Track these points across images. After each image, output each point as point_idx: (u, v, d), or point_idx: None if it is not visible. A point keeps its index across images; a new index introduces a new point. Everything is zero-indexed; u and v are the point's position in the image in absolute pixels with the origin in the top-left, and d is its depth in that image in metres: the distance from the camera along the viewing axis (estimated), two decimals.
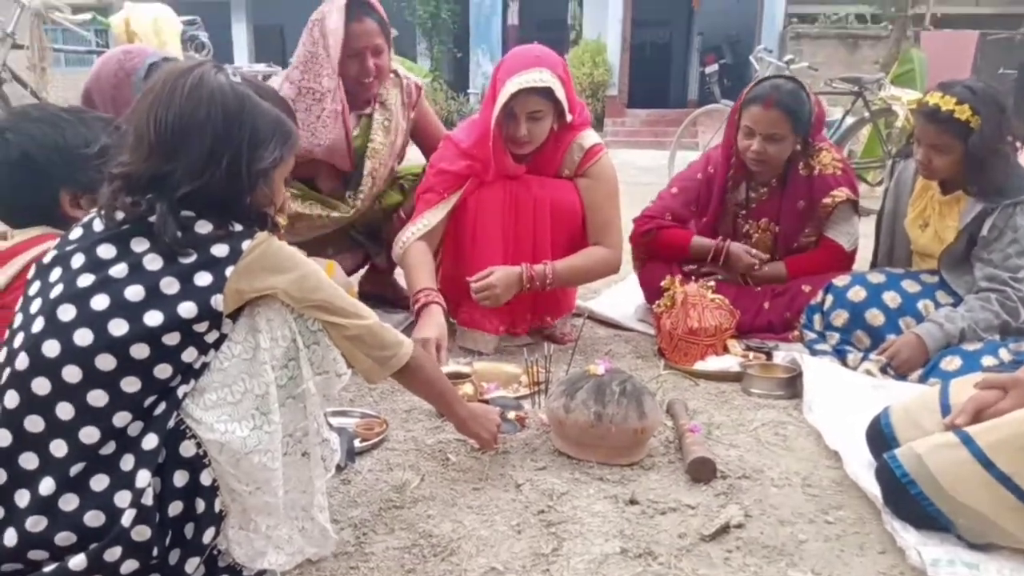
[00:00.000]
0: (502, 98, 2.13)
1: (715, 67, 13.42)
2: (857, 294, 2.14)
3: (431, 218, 2.26)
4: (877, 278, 2.17)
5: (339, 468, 1.45)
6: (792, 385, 1.98)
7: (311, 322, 1.16)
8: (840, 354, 2.12)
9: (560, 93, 2.16)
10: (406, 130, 2.52)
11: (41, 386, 1.01)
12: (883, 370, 2.01)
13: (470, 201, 2.27)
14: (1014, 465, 1.22)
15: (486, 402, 1.77)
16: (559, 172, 2.33)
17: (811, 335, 2.21)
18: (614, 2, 13.65)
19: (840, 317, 2.15)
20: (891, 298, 2.11)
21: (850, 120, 5.93)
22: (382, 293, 2.69)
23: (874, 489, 1.40)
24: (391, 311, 2.60)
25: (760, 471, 1.54)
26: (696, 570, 1.22)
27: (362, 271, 2.69)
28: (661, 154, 8.59)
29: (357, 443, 1.59)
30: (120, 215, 1.08)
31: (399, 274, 2.73)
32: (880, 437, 1.51)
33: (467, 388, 1.83)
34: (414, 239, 2.25)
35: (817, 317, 2.22)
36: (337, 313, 1.17)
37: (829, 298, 2.18)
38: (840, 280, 2.19)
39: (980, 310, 1.97)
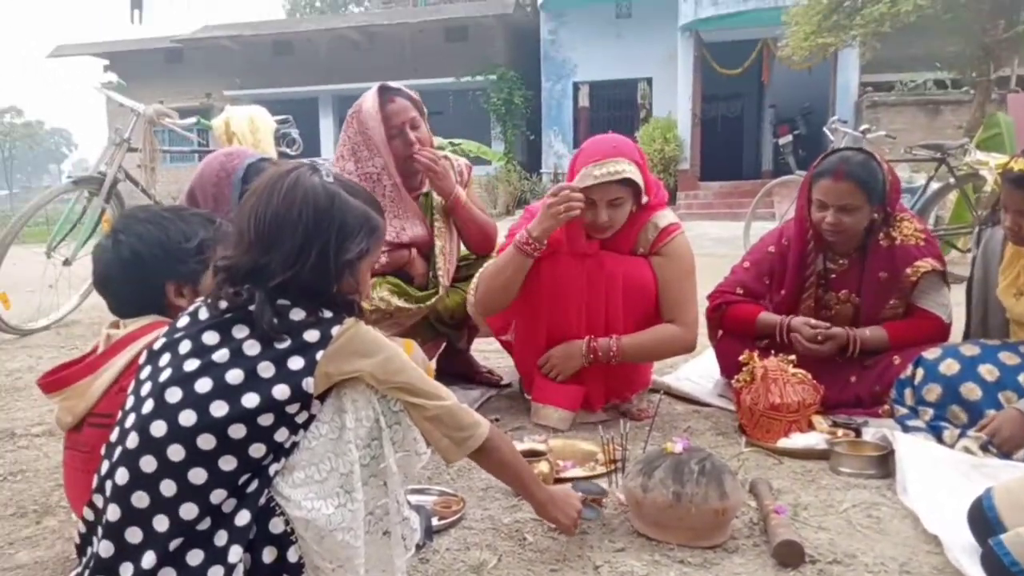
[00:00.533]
0: (580, 182, 2.21)
1: (789, 138, 13.36)
2: (950, 367, 2.04)
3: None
4: (971, 350, 2.07)
5: (418, 547, 1.46)
6: (884, 464, 1.88)
7: (393, 403, 1.22)
8: (935, 430, 2.01)
9: (638, 179, 2.22)
10: None
11: (148, 464, 1.09)
12: (983, 448, 1.90)
13: (544, 274, 2.31)
14: None
15: (563, 481, 1.77)
16: (633, 250, 2.36)
17: (902, 410, 2.11)
18: (683, 80, 13.92)
19: (933, 392, 2.05)
20: (988, 371, 2.00)
21: (935, 186, 5.77)
22: (460, 371, 2.74)
23: None
24: (468, 387, 2.65)
25: (852, 556, 1.47)
26: None
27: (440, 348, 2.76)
28: (736, 225, 8.52)
29: (435, 521, 1.61)
30: (223, 304, 1.17)
31: (475, 351, 2.79)
32: (983, 521, 1.41)
33: (543, 466, 1.83)
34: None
35: (908, 391, 2.12)
36: (418, 394, 1.22)
37: (919, 372, 2.09)
38: (930, 353, 2.10)
39: None
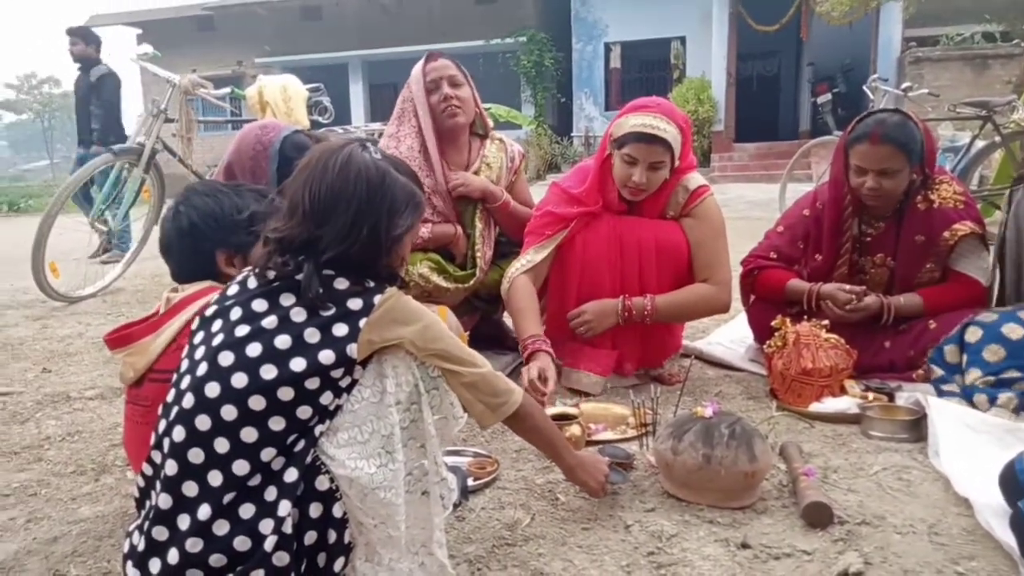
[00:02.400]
0: (620, 130, 2.21)
1: (828, 96, 12.98)
2: (1014, 331, 1.98)
3: (535, 255, 2.35)
4: None
5: (455, 506, 1.53)
6: (916, 428, 1.89)
7: (431, 369, 1.26)
8: (968, 395, 2.00)
9: (678, 145, 2.22)
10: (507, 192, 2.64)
11: (203, 423, 1.15)
12: (1016, 411, 1.89)
13: (576, 240, 2.34)
14: None
15: (594, 443, 1.81)
16: (663, 213, 2.37)
17: (938, 371, 2.09)
18: (717, 38, 13.58)
19: (995, 353, 1.98)
20: None
21: (980, 144, 5.60)
22: (492, 336, 2.79)
23: (1009, 539, 1.33)
24: (500, 353, 2.69)
25: (882, 518, 1.49)
26: None
27: None
28: (772, 187, 8.39)
29: (470, 482, 1.67)
30: (271, 274, 1.22)
31: (506, 317, 2.83)
32: (1015, 484, 1.42)
33: (574, 429, 1.87)
34: (519, 274, 2.34)
35: (951, 348, 2.08)
36: (455, 361, 1.27)
37: (976, 331, 2.03)
38: (987, 316, 2.05)
39: None
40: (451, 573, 1.29)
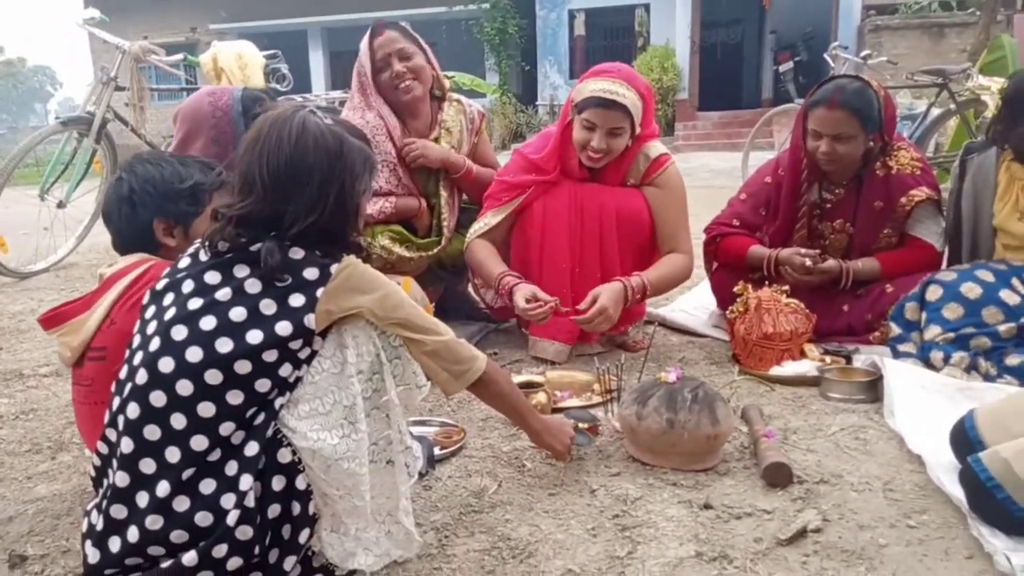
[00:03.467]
0: (580, 95, 2.20)
1: (790, 65, 13.05)
2: (972, 290, 2.03)
3: (492, 218, 2.37)
4: (987, 275, 2.06)
5: (420, 475, 1.53)
6: (872, 389, 1.94)
7: (393, 338, 1.25)
8: (924, 353, 2.04)
9: (638, 112, 2.21)
10: (469, 154, 2.61)
11: (158, 399, 1.12)
12: (967, 370, 1.95)
13: (535, 209, 2.34)
14: None
15: (560, 411, 1.82)
16: (624, 181, 2.37)
17: (896, 330, 2.14)
18: (681, 5, 13.52)
19: (954, 311, 2.03)
20: (1008, 296, 2.01)
21: (935, 112, 5.69)
22: (458, 308, 2.78)
23: (958, 493, 1.37)
24: (466, 323, 2.69)
25: (839, 476, 1.53)
26: (772, 574, 1.22)
27: None
28: (735, 156, 8.45)
29: (437, 451, 1.67)
30: (223, 246, 1.19)
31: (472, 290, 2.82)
32: (965, 441, 1.47)
33: (540, 397, 1.88)
34: (475, 237, 2.37)
35: (911, 306, 2.12)
36: (416, 330, 1.26)
37: (936, 289, 2.07)
38: (946, 275, 2.09)
39: None
40: (418, 540, 1.29)
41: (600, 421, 1.75)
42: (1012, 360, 1.95)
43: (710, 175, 8.70)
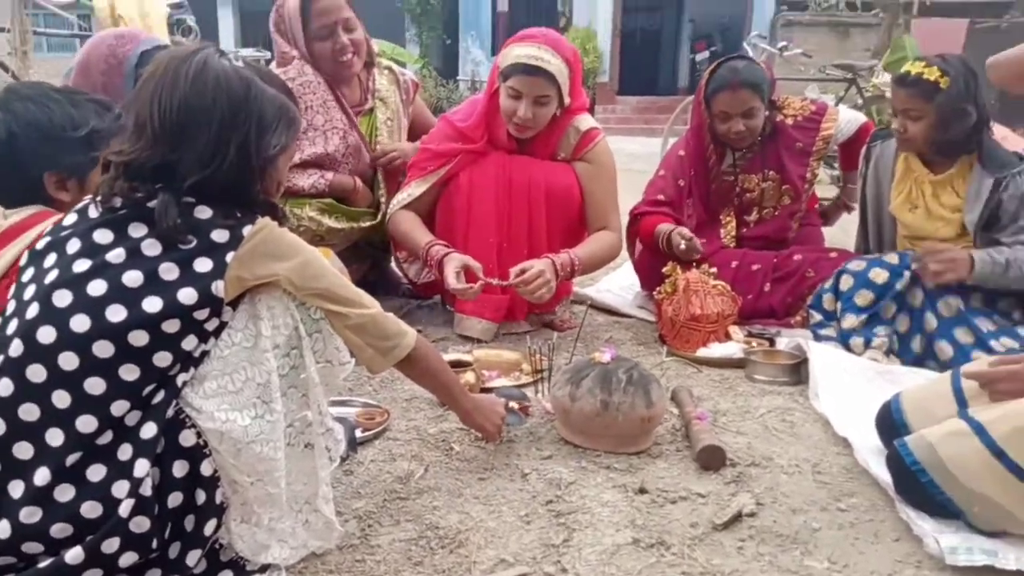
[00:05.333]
0: (505, 61, 2.11)
1: (706, 54, 13.34)
2: (879, 275, 2.09)
3: (416, 189, 2.27)
4: (892, 259, 2.12)
5: (342, 459, 1.42)
6: (796, 371, 1.96)
7: (313, 310, 1.14)
8: (845, 339, 2.09)
9: (565, 80, 2.14)
10: (407, 128, 2.48)
11: (36, 373, 0.97)
12: (887, 354, 2.00)
13: (462, 180, 2.25)
14: None
15: (489, 390, 1.74)
16: (554, 155, 2.30)
17: (817, 316, 2.18)
18: None
19: (865, 298, 2.08)
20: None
21: (843, 108, 5.92)
22: (382, 281, 2.65)
23: (885, 476, 1.38)
24: (388, 299, 2.56)
25: (769, 459, 1.52)
26: (710, 560, 1.19)
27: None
28: (652, 141, 8.56)
29: (359, 433, 1.56)
30: (117, 201, 1.04)
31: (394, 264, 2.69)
32: (891, 424, 1.49)
33: (468, 377, 1.80)
34: (399, 207, 2.26)
35: (827, 297, 2.18)
36: (339, 302, 1.14)
37: (848, 279, 2.13)
38: (856, 264, 2.15)
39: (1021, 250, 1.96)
40: (339, 530, 1.19)
41: (530, 401, 1.69)
42: (902, 326, 2.06)
43: (628, 159, 8.76)
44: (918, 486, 1.29)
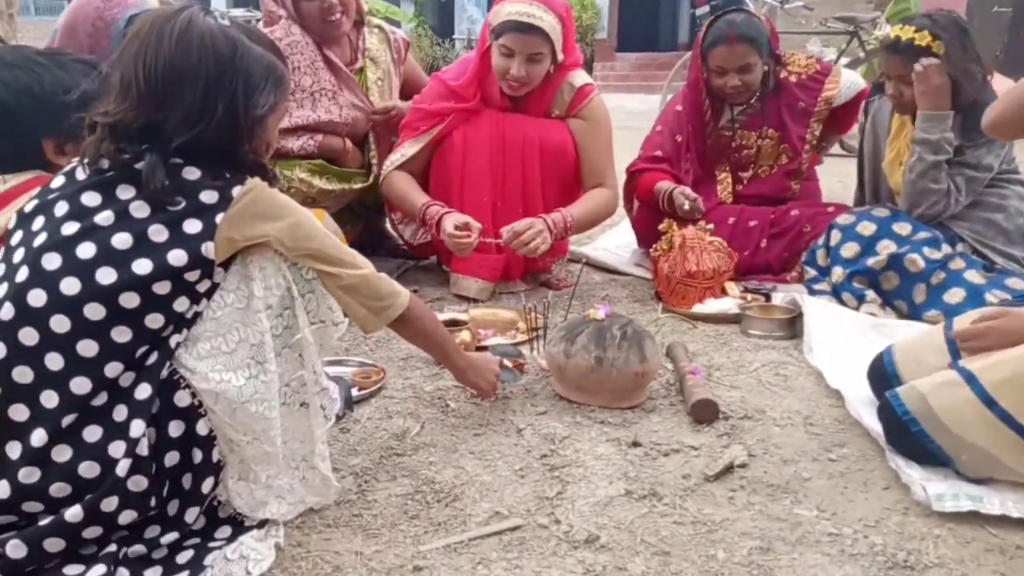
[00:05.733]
0: (496, 19, 2.08)
1: (706, 8, 13.05)
2: (867, 228, 2.09)
3: (409, 149, 2.25)
4: (882, 212, 2.12)
5: (338, 417, 1.43)
6: (791, 326, 1.96)
7: (305, 271, 1.14)
8: (838, 293, 2.09)
9: (558, 36, 2.10)
10: (399, 87, 2.45)
11: (29, 336, 0.98)
12: (882, 307, 2.01)
13: (456, 138, 2.23)
14: (1016, 404, 1.21)
15: (484, 349, 1.75)
16: (548, 112, 2.28)
17: (811, 272, 2.19)
18: None
19: (851, 250, 2.09)
20: (901, 227, 2.07)
21: (845, 61, 5.82)
22: (376, 241, 2.65)
23: (876, 427, 1.40)
24: (383, 259, 2.56)
25: (762, 411, 1.54)
26: (701, 510, 1.21)
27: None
28: (652, 98, 8.46)
29: (355, 392, 1.57)
30: (105, 163, 1.03)
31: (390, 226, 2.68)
32: (883, 376, 1.50)
33: (464, 335, 1.81)
34: (393, 168, 2.25)
35: (821, 252, 2.18)
36: (331, 262, 1.14)
37: (837, 234, 2.14)
38: (846, 218, 2.15)
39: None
40: (335, 486, 1.21)
41: (525, 358, 1.70)
42: (888, 285, 2.04)
43: (627, 116, 8.67)
44: (909, 436, 1.31)
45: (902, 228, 2.05)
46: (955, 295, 1.93)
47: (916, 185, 2.02)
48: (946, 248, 2.00)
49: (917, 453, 1.31)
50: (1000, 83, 2.17)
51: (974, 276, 1.95)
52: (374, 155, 2.36)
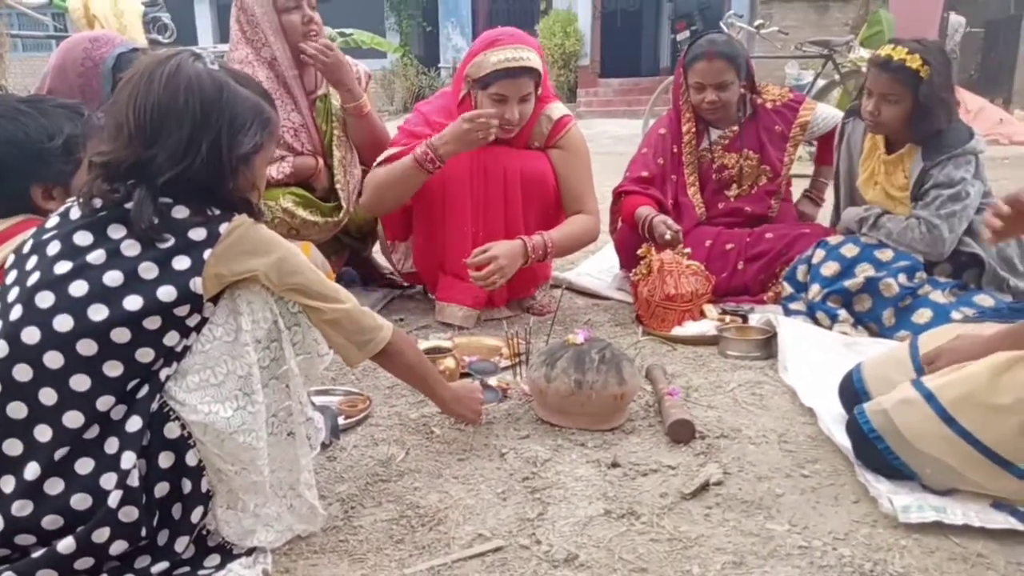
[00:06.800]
0: (481, 70, 2.12)
1: (686, 34, 13.29)
2: (850, 251, 2.15)
3: (397, 150, 2.24)
4: (870, 239, 2.18)
5: (324, 445, 1.47)
6: (767, 346, 2.02)
7: (291, 304, 1.18)
8: (812, 312, 2.15)
9: (542, 71, 2.18)
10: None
11: (23, 372, 1.02)
12: (854, 326, 2.07)
13: (437, 173, 2.26)
14: (974, 422, 1.26)
15: (467, 374, 1.79)
16: (529, 144, 2.34)
17: (789, 289, 2.25)
18: None
19: (831, 268, 2.15)
20: (883, 254, 2.13)
21: (821, 83, 5.97)
22: (362, 272, 2.69)
23: (846, 443, 1.44)
24: (369, 289, 2.61)
25: (738, 430, 1.58)
26: (678, 527, 1.25)
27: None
28: (635, 123, 8.58)
29: (341, 420, 1.60)
30: (97, 202, 1.08)
31: (376, 253, 2.73)
32: (852, 392, 1.55)
33: (449, 363, 1.84)
34: (378, 164, 2.25)
35: (802, 268, 2.25)
36: (315, 297, 1.19)
37: (820, 252, 2.20)
38: (834, 239, 2.23)
39: (905, 229, 2.09)
40: (322, 514, 1.24)
41: (508, 381, 1.74)
42: (860, 307, 2.10)
43: (612, 141, 8.81)
44: (875, 452, 1.35)
45: (883, 254, 2.11)
46: (922, 315, 2.00)
47: (897, 241, 2.11)
48: (920, 275, 2.07)
49: (884, 467, 1.35)
50: (974, 102, 2.26)
51: (939, 297, 2.02)
52: (339, 180, 2.35)
